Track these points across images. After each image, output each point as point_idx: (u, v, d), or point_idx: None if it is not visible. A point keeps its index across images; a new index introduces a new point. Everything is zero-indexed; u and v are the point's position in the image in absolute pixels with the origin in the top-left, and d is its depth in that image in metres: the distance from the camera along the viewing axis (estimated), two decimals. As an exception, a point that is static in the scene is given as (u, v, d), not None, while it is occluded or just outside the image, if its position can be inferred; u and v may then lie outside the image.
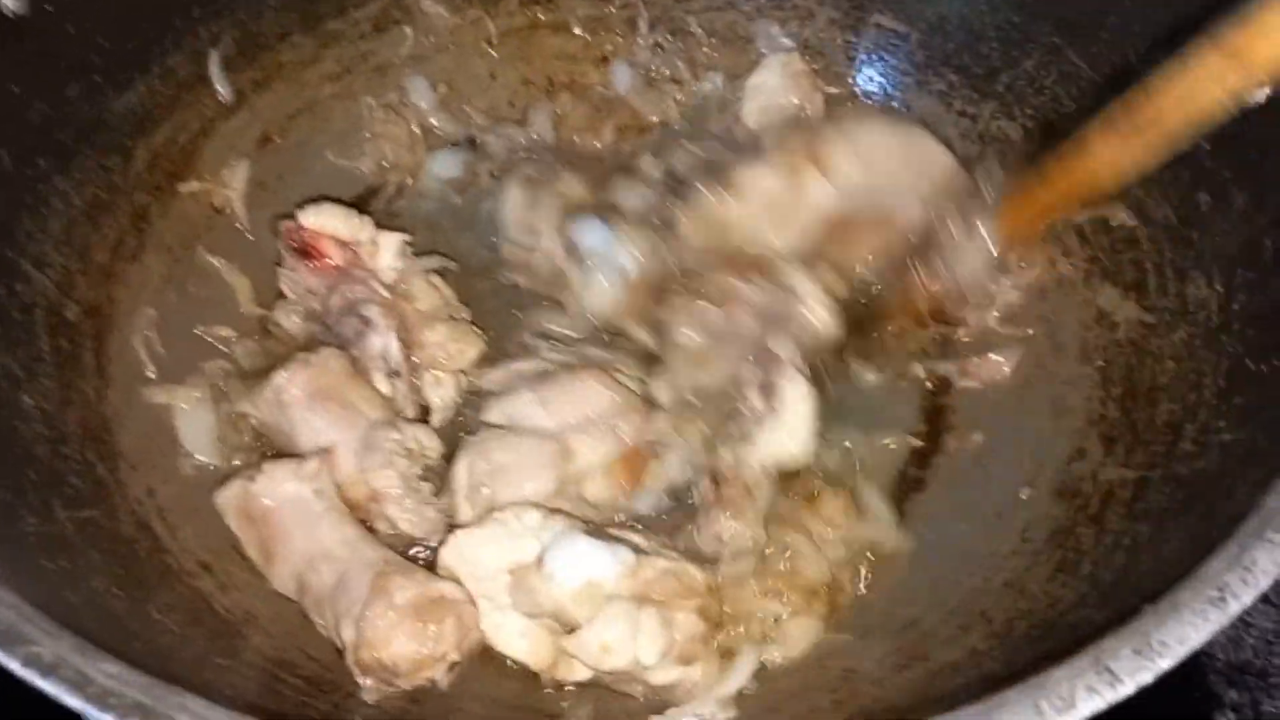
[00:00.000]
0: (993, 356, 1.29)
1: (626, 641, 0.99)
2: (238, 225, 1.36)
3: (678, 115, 1.52)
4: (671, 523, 1.16)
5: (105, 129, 1.22)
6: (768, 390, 1.14)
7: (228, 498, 1.08)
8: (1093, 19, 1.27)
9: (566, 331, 1.30)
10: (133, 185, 1.26)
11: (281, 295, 1.29)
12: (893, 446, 1.26)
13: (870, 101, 1.49)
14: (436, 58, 1.50)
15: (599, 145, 1.51)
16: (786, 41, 1.51)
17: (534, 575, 1.02)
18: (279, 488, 1.05)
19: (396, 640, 0.96)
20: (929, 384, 1.30)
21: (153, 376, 1.21)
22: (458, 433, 1.21)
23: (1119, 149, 0.98)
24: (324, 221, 1.24)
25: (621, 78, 1.53)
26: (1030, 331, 1.29)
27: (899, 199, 1.29)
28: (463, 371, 1.24)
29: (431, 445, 1.16)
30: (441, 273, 1.30)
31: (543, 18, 1.53)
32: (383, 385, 1.20)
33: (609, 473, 1.12)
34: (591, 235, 1.26)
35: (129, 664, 0.72)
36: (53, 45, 1.15)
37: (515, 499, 1.08)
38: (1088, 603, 0.96)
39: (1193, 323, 1.12)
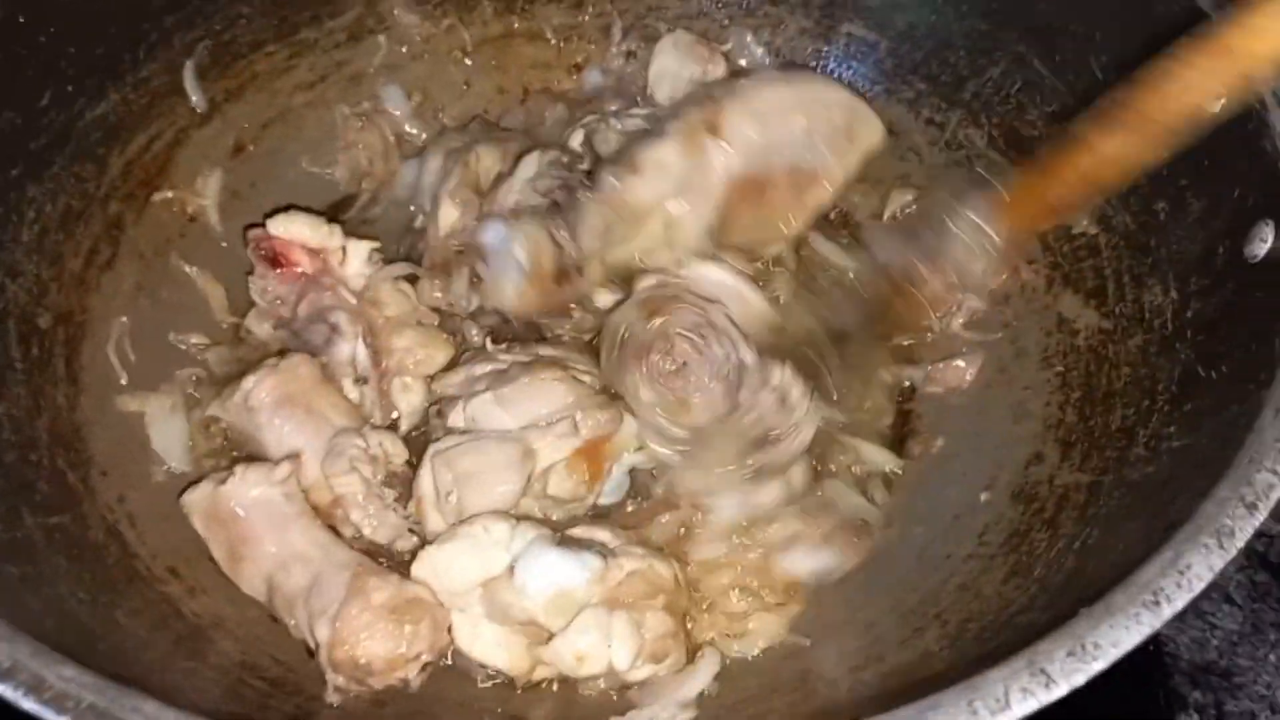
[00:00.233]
0: (956, 363, 1.30)
1: (600, 648, 1.02)
2: (212, 234, 1.37)
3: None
4: (636, 511, 1.19)
5: (79, 138, 1.23)
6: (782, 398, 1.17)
7: (195, 500, 1.09)
8: (1056, 28, 1.29)
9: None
10: (106, 194, 1.27)
11: (254, 303, 1.30)
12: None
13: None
14: (411, 66, 1.52)
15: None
16: (759, 50, 1.53)
17: (505, 588, 1.04)
18: (250, 491, 1.07)
19: (373, 639, 0.99)
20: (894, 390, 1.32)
21: (125, 384, 1.22)
22: (427, 437, 1.22)
23: (1122, 144, 0.97)
24: (292, 230, 1.26)
25: (594, 84, 1.55)
26: (994, 337, 1.31)
27: (806, 149, 1.31)
28: (430, 377, 1.25)
29: (396, 451, 1.17)
30: (410, 279, 1.32)
31: (517, 26, 1.55)
32: (351, 391, 1.22)
33: (571, 466, 1.13)
34: (491, 234, 1.26)
35: (87, 667, 0.74)
36: (26, 54, 1.16)
37: (484, 504, 1.09)
38: (1036, 605, 0.97)
39: (1149, 329, 1.13)
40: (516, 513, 1.11)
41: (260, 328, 1.29)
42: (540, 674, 1.07)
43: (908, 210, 1.42)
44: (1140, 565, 0.80)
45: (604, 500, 1.18)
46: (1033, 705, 0.73)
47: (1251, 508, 0.82)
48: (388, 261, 1.31)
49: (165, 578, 1.08)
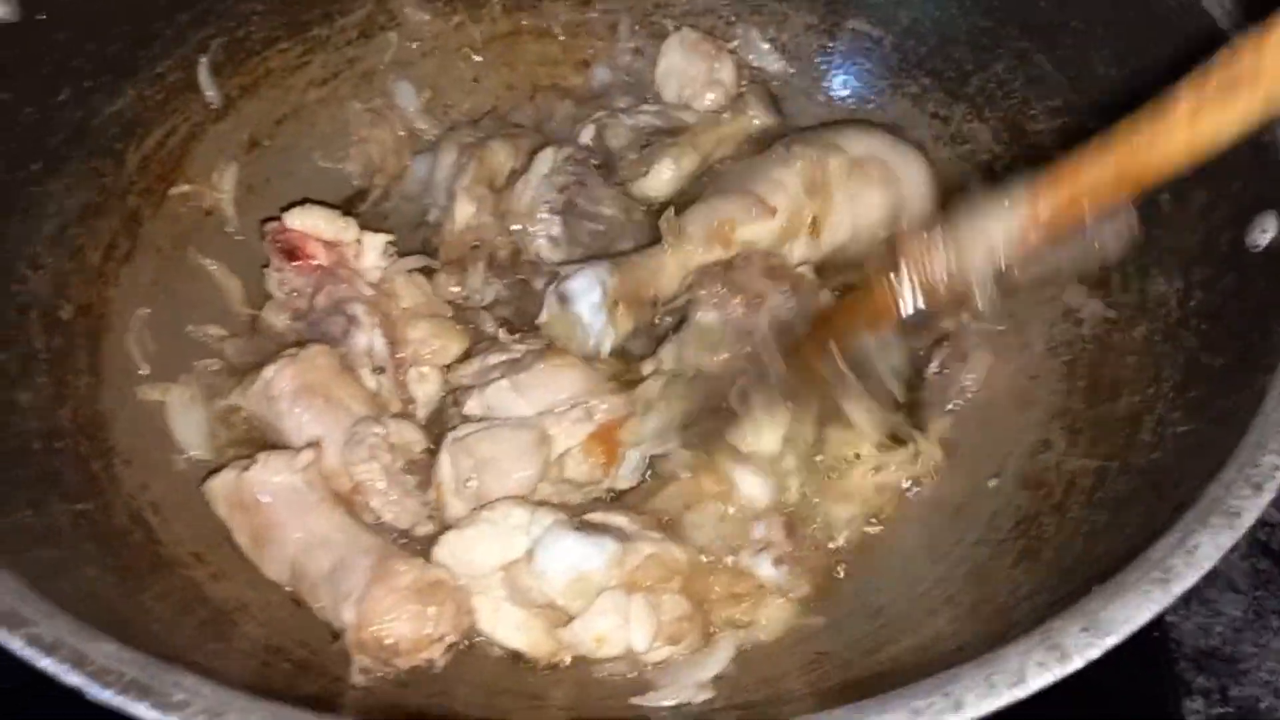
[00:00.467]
0: (961, 353, 1.32)
1: (619, 630, 1.04)
2: (227, 227, 1.39)
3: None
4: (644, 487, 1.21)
5: (96, 133, 1.24)
6: (744, 396, 1.18)
7: (218, 487, 1.11)
8: (1058, 24, 1.31)
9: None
10: (124, 188, 1.28)
11: (270, 295, 1.31)
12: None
13: (844, 104, 1.53)
14: (421, 63, 1.53)
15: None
16: (764, 45, 1.55)
17: (525, 571, 1.06)
18: (273, 478, 1.09)
19: (398, 620, 1.00)
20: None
21: (145, 374, 1.23)
22: (443, 426, 1.24)
23: (1206, 114, 0.85)
24: (308, 223, 1.27)
25: (602, 81, 1.57)
26: (999, 328, 1.32)
27: (866, 233, 1.34)
28: (446, 367, 1.27)
29: (415, 439, 1.19)
30: (424, 271, 1.33)
31: (525, 23, 1.56)
32: (368, 381, 1.23)
33: (587, 451, 1.15)
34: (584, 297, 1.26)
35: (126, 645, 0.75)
36: (44, 51, 1.17)
37: (503, 490, 1.11)
38: (1046, 586, 0.99)
39: (1153, 319, 1.15)
40: (534, 497, 1.13)
41: (277, 319, 1.30)
42: (559, 656, 1.09)
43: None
44: (1150, 545, 0.82)
45: (620, 485, 1.20)
46: (1048, 679, 0.74)
47: (1257, 489, 0.84)
48: (402, 255, 1.32)
49: (189, 563, 1.09)
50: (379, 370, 1.23)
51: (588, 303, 1.25)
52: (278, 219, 1.28)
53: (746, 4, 1.55)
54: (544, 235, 1.33)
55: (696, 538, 1.15)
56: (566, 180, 1.32)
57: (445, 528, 1.14)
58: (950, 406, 1.30)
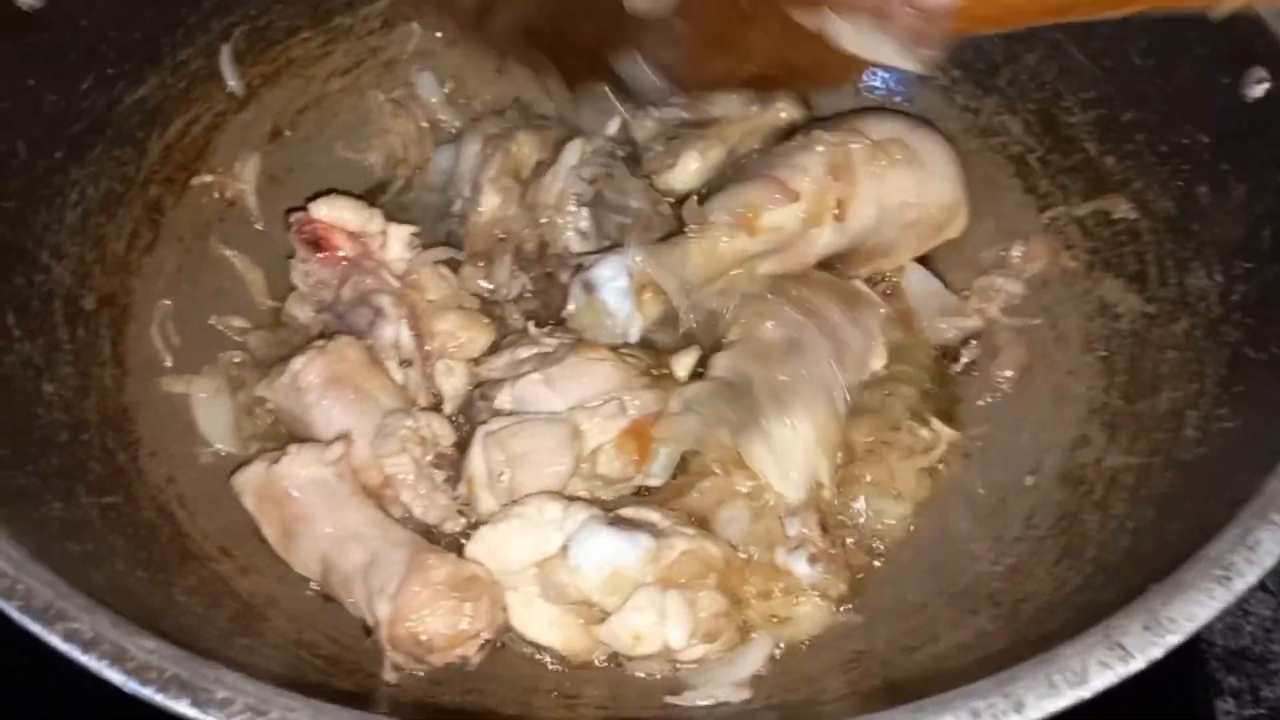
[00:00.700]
0: (994, 347, 1.31)
1: (656, 628, 1.02)
2: (249, 218, 1.38)
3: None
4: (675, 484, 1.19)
5: (118, 121, 1.23)
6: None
7: (247, 480, 1.10)
8: (1093, 14, 1.29)
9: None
10: (146, 177, 1.27)
11: (293, 287, 1.30)
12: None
13: (872, 97, 1.51)
14: (444, 53, 1.51)
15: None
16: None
17: (560, 567, 1.04)
18: (303, 471, 1.07)
19: (434, 616, 0.99)
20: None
21: (169, 366, 1.23)
22: (470, 420, 1.22)
23: None
24: (335, 213, 1.25)
25: (627, 70, 1.55)
26: (1033, 322, 1.30)
27: (898, 233, 1.32)
28: (473, 360, 1.25)
29: (444, 433, 1.17)
30: (450, 264, 1.32)
31: (549, 13, 1.55)
32: (395, 374, 1.21)
33: (620, 447, 1.13)
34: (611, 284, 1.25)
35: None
36: (67, 38, 1.16)
37: (535, 485, 1.09)
38: (1093, 584, 0.97)
39: (1193, 313, 1.13)
40: (565, 493, 1.11)
41: (301, 311, 1.28)
42: (593, 653, 1.08)
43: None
44: (1208, 542, 0.80)
45: (651, 481, 1.18)
46: (1110, 679, 0.73)
47: (1317, 481, 0.83)
48: (425, 247, 1.31)
49: (218, 557, 1.08)
50: (406, 363, 1.21)
51: (614, 289, 1.24)
52: (301, 209, 1.27)
53: (773, -4, 1.53)
54: (573, 228, 1.31)
55: (729, 534, 1.13)
56: (595, 172, 1.30)
57: (473, 524, 1.13)
58: (983, 401, 1.29)
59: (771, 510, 1.15)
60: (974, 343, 1.32)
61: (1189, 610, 0.76)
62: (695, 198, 1.28)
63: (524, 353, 1.21)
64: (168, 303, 1.25)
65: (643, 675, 1.07)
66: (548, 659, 1.09)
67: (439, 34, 1.50)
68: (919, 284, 1.36)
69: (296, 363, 1.15)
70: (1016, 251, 1.33)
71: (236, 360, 1.26)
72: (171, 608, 0.95)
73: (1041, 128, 1.38)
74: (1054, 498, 1.15)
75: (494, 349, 1.26)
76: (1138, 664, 0.74)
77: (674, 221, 1.32)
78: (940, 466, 1.23)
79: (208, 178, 1.34)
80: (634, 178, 1.34)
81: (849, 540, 1.18)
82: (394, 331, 1.22)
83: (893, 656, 1.05)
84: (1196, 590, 0.77)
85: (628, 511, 1.09)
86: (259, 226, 1.38)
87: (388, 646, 0.99)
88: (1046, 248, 1.32)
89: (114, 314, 1.20)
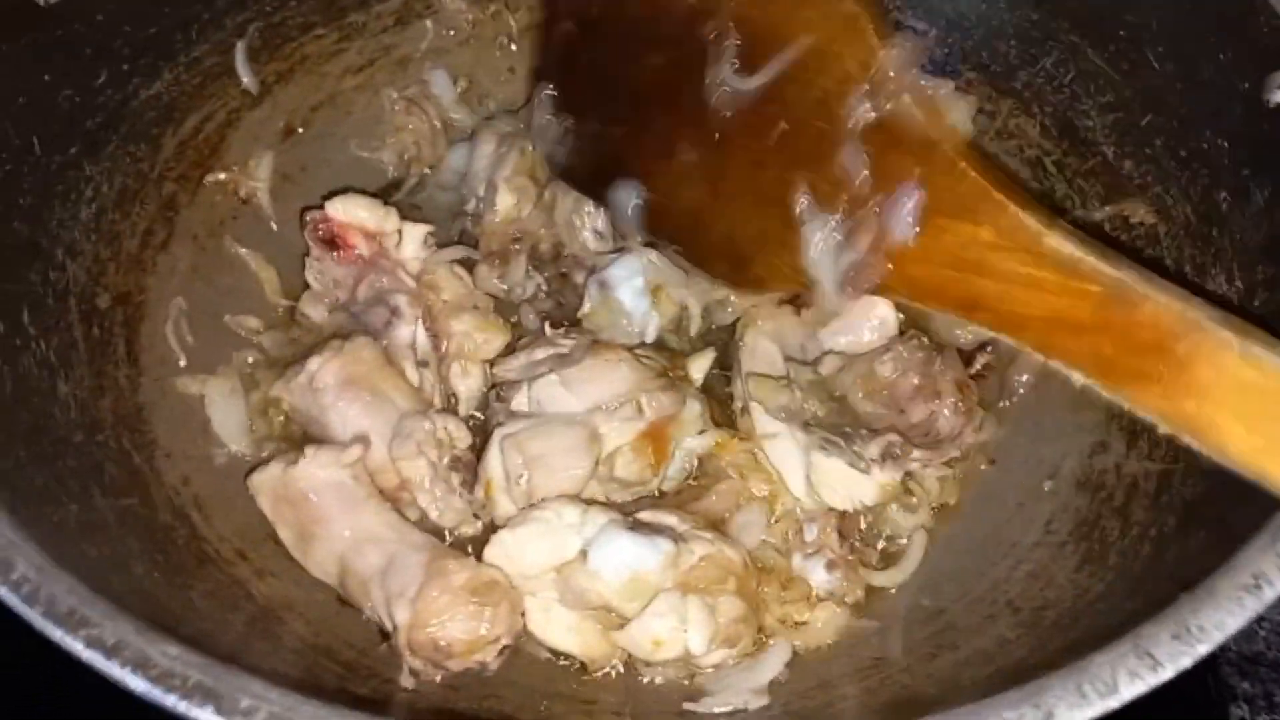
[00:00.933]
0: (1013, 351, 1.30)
1: (676, 634, 1.02)
2: (263, 216, 1.37)
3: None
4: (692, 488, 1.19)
5: (133, 117, 1.23)
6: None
7: (263, 481, 1.09)
8: (1110, 17, 1.28)
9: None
10: (160, 174, 1.26)
11: (307, 286, 1.30)
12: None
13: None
14: (457, 51, 1.51)
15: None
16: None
17: (579, 572, 1.04)
18: (320, 473, 1.06)
19: (454, 621, 0.98)
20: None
21: (184, 365, 1.22)
22: (486, 422, 1.22)
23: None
24: (351, 212, 1.25)
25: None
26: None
27: None
28: (489, 361, 1.25)
29: (460, 435, 1.17)
30: (464, 263, 1.31)
31: (562, 13, 1.54)
32: (411, 375, 1.21)
33: (637, 449, 1.13)
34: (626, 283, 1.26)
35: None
36: (82, 34, 1.15)
37: (552, 488, 1.09)
38: (1116, 592, 0.96)
39: (1213, 319, 1.13)
40: (582, 496, 1.11)
41: (314, 310, 1.28)
42: (612, 659, 1.07)
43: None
44: (1237, 550, 0.79)
45: (667, 485, 1.18)
46: (1140, 689, 0.73)
47: (1349, 489, 0.82)
48: (440, 246, 1.30)
49: (234, 560, 1.08)
50: (422, 364, 1.21)
51: (630, 288, 1.25)
52: (316, 208, 1.26)
53: (788, -3, 1.52)
54: (590, 229, 1.30)
55: (746, 539, 1.13)
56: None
57: (489, 527, 1.12)
58: (1000, 406, 1.28)
59: (789, 514, 1.14)
60: (990, 348, 1.31)
61: (1219, 619, 0.75)
62: None
63: (540, 354, 1.20)
64: (181, 301, 1.25)
65: (660, 681, 1.06)
66: (566, 664, 1.09)
67: (451, 32, 1.49)
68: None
69: (313, 363, 1.14)
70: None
71: (250, 360, 1.25)
72: (190, 612, 0.94)
73: (1059, 131, 1.37)
74: (1073, 504, 1.14)
75: (509, 350, 1.26)
76: (1167, 673, 0.73)
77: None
78: (957, 472, 1.22)
79: (222, 175, 1.33)
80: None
81: (866, 546, 1.17)
82: (411, 332, 1.21)
83: (912, 663, 1.04)
84: (1226, 599, 0.76)
85: (646, 515, 1.09)
86: (273, 225, 1.37)
87: (406, 651, 0.98)
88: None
89: (128, 312, 1.19)
